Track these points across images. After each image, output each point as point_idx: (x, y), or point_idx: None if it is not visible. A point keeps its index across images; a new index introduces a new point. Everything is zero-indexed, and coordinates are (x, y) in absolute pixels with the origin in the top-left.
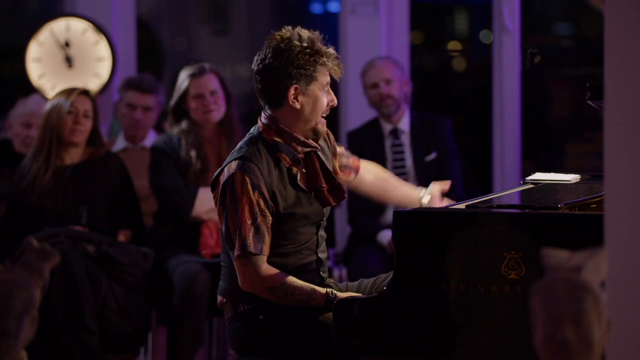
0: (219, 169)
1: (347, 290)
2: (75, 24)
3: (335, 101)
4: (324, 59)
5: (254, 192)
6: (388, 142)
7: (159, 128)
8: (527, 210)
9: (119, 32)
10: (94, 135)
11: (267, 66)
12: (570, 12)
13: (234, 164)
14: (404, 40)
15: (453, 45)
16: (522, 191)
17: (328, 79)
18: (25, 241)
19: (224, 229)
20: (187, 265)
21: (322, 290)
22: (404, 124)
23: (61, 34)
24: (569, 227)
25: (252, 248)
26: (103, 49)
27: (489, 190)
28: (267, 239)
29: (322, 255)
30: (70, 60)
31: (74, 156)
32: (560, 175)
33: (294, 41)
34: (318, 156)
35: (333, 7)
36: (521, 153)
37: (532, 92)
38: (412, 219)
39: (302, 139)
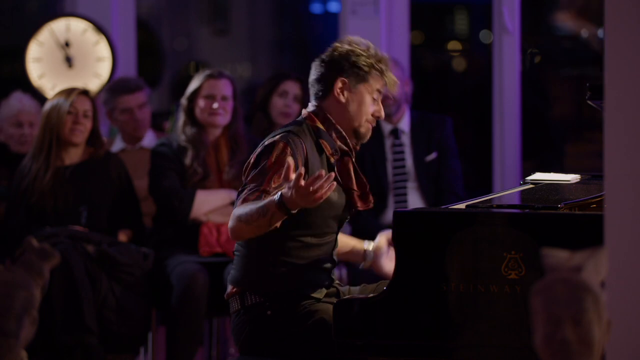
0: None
1: (349, 295)
2: (75, 24)
3: (382, 114)
4: (382, 66)
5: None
6: (388, 142)
7: (159, 128)
8: (527, 210)
9: (119, 32)
10: (94, 136)
11: (323, 59)
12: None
13: (278, 136)
14: (404, 40)
15: (453, 45)
16: (522, 191)
17: (381, 89)
18: (25, 241)
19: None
20: (186, 265)
21: (270, 201)
22: (404, 124)
23: (61, 34)
24: (569, 227)
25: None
26: (103, 49)
27: (489, 190)
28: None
29: (335, 258)
30: (70, 60)
31: (73, 156)
32: (560, 175)
33: (360, 46)
34: (353, 161)
35: (333, 7)
36: (521, 153)
37: (532, 92)
38: (412, 219)
39: (344, 134)
